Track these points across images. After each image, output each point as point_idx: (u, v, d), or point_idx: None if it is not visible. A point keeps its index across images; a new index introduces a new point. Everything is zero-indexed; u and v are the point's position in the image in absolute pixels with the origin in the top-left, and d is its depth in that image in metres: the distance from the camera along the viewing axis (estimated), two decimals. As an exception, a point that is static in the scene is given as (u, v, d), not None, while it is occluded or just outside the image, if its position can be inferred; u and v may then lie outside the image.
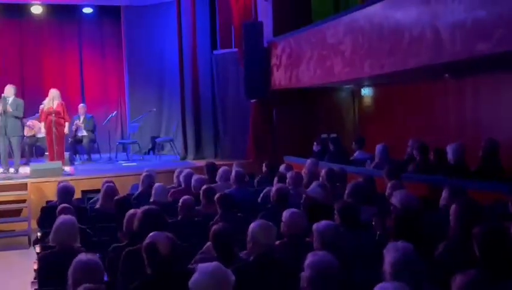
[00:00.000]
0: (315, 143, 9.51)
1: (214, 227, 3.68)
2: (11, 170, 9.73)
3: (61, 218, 3.86)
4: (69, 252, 3.48)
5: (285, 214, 4.00)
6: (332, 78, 8.17)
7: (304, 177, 6.69)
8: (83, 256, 2.83)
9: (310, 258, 2.76)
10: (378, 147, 7.42)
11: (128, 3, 12.92)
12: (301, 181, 6.33)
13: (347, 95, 10.79)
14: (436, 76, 7.70)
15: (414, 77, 7.87)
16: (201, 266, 2.57)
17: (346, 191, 5.05)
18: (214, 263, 2.61)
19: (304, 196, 5.04)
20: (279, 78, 9.96)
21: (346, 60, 7.68)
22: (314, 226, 3.46)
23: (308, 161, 7.46)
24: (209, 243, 3.78)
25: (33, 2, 12.35)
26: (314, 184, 5.44)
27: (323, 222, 3.46)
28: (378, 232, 4.25)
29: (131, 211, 4.29)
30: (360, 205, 4.51)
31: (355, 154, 8.56)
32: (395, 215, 3.82)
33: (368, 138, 9.04)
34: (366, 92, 10.19)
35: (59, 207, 4.90)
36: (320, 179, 6.22)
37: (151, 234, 3.16)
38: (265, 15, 10.38)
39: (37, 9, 12.54)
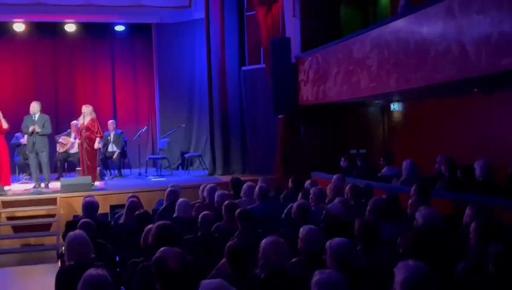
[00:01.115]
0: (342, 159, 9.44)
1: (229, 243, 3.66)
2: (42, 184, 9.91)
3: (71, 235, 3.88)
4: (85, 267, 3.49)
5: (302, 230, 3.95)
6: (359, 93, 8.10)
7: (328, 193, 6.62)
8: (92, 271, 2.84)
9: (316, 277, 2.70)
10: (406, 163, 7.29)
11: (159, 20, 13.13)
12: (324, 197, 6.26)
13: (376, 110, 10.69)
14: (464, 91, 7.55)
15: (442, 92, 7.74)
16: (204, 282, 2.54)
17: (368, 208, 4.96)
18: (217, 280, 2.57)
19: (323, 212, 4.97)
20: (307, 93, 9.93)
21: (372, 75, 7.61)
22: (328, 243, 3.39)
23: (335, 176, 7.38)
24: (224, 260, 3.75)
25: (67, 20, 12.67)
26: (336, 201, 5.38)
27: (337, 239, 3.40)
28: (401, 250, 4.16)
29: (149, 226, 4.30)
30: (381, 222, 4.42)
31: (383, 170, 8.44)
32: (414, 233, 3.73)
33: (397, 153, 8.91)
34: (395, 107, 10.06)
35: (79, 222, 4.95)
36: (345, 195, 6.15)
37: (161, 249, 3.15)
38: (293, 31, 10.39)
39: (70, 28, 12.86)
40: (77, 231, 3.94)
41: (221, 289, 2.50)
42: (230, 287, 2.55)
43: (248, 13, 11.75)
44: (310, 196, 6.17)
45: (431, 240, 3.46)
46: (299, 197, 6.44)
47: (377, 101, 10.00)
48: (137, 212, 5.35)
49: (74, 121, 10.49)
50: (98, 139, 10.30)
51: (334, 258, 3.29)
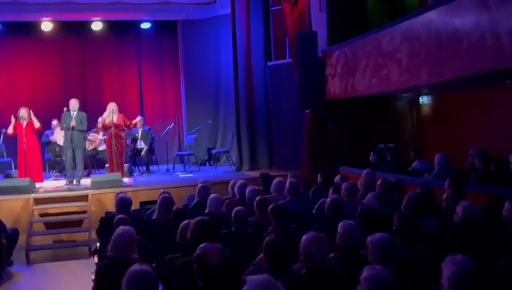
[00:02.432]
0: (372, 153, 9.34)
1: (267, 239, 3.65)
2: (74, 181, 10.04)
3: (120, 229, 3.92)
4: (126, 263, 3.51)
5: (341, 226, 3.92)
6: (389, 86, 8.01)
7: (359, 188, 6.57)
8: (136, 267, 2.85)
9: (366, 272, 2.67)
10: (437, 157, 7.19)
11: (185, 17, 13.18)
12: (356, 192, 6.21)
13: (405, 103, 10.57)
14: (497, 83, 7.42)
15: (474, 85, 7.61)
16: (251, 278, 2.53)
17: (404, 203, 4.90)
18: (264, 275, 2.56)
19: (359, 207, 4.92)
20: (334, 87, 9.86)
21: (402, 68, 7.52)
22: (369, 238, 3.36)
23: (365, 171, 7.30)
24: (261, 255, 3.74)
25: (94, 19, 12.79)
26: (370, 195, 5.32)
27: (378, 235, 3.36)
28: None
29: (185, 221, 4.32)
30: (418, 216, 4.37)
31: (413, 165, 8.34)
32: (456, 227, 3.67)
33: (427, 147, 8.80)
34: (425, 100, 9.94)
35: (116, 218, 4.99)
36: (376, 190, 6.09)
37: (201, 245, 3.16)
38: (319, 25, 10.32)
39: (97, 26, 12.98)
40: (126, 227, 3.97)
41: (268, 284, 2.50)
42: (276, 283, 2.55)
43: (274, 8, 11.71)
44: (342, 191, 6.12)
45: (473, 234, 3.40)
46: (330, 193, 6.39)
47: (405, 95, 9.89)
48: (174, 209, 5.38)
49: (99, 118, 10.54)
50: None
51: (377, 254, 3.26)
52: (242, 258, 4.08)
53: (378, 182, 6.22)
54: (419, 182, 7.00)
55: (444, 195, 5.17)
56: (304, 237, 3.44)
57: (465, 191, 5.56)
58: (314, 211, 6.16)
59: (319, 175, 7.88)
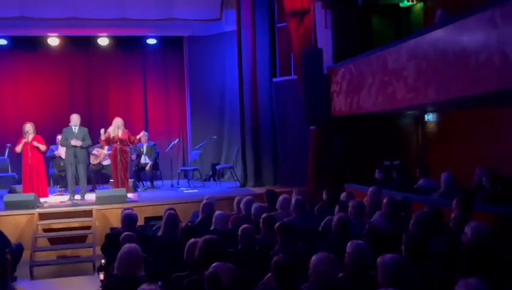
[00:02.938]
0: (377, 171, 9.30)
1: (275, 258, 3.61)
2: (77, 196, 10.02)
3: (126, 247, 3.90)
4: (132, 281, 3.49)
5: (350, 245, 3.88)
6: (395, 104, 8.01)
7: (365, 206, 6.53)
8: (145, 286, 2.83)
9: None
10: (444, 176, 7.16)
11: (191, 33, 13.25)
12: (363, 210, 6.17)
13: (410, 121, 10.56)
14: (503, 102, 7.41)
15: (480, 103, 7.60)
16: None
17: (412, 222, 4.87)
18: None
19: (367, 226, 4.89)
20: (340, 104, 9.87)
21: (409, 86, 7.52)
22: (379, 259, 3.33)
23: (371, 189, 7.27)
24: (269, 274, 3.71)
25: (100, 34, 12.87)
26: (377, 214, 5.30)
27: (388, 255, 3.33)
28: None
29: (192, 240, 4.29)
30: (427, 236, 4.33)
31: (419, 182, 8.30)
32: (466, 248, 3.64)
33: (432, 164, 8.77)
34: (430, 117, 9.93)
35: (122, 235, 4.97)
36: (383, 208, 6.05)
37: (214, 264, 3.13)
38: (325, 42, 10.37)
39: (103, 41, 13.05)
40: (132, 245, 3.95)
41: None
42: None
43: (279, 24, 11.77)
44: (349, 209, 6.09)
45: (483, 255, 3.36)
46: (336, 210, 6.36)
47: (410, 112, 9.88)
48: (182, 226, 5.36)
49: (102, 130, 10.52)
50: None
51: (387, 275, 3.22)
52: (250, 277, 4.05)
53: (385, 201, 6.18)
54: (425, 200, 6.96)
55: (452, 215, 5.13)
56: (314, 257, 3.41)
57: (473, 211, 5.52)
58: (320, 229, 6.13)
59: (324, 192, 7.86)
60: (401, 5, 10.40)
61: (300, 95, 10.54)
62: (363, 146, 10.13)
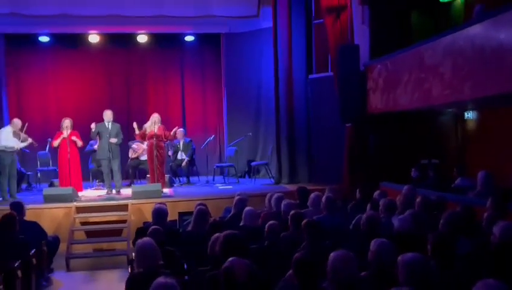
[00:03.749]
0: (413, 169, 9.14)
1: (297, 255, 3.59)
2: (113, 191, 10.22)
3: (140, 242, 3.94)
4: (153, 275, 3.53)
5: (374, 243, 3.83)
6: (431, 101, 7.84)
7: (398, 205, 6.42)
8: (161, 279, 2.86)
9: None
10: (480, 175, 6.97)
11: (228, 30, 13.31)
12: (394, 209, 6.07)
13: (449, 119, 10.32)
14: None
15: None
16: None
17: (442, 221, 4.75)
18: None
19: (394, 225, 4.80)
20: (376, 101, 9.72)
21: (445, 83, 7.34)
22: (400, 258, 3.26)
23: (405, 187, 7.15)
24: (291, 271, 3.69)
25: (139, 31, 13.06)
26: (407, 213, 5.19)
27: (409, 254, 3.26)
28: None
29: (216, 235, 4.31)
30: (456, 236, 4.22)
31: (456, 181, 8.11)
32: (494, 249, 3.53)
33: (471, 164, 8.55)
34: (470, 115, 9.68)
35: (150, 229, 5.03)
36: (416, 207, 5.94)
37: (229, 259, 3.13)
38: (362, 38, 10.23)
39: (142, 39, 13.24)
40: (146, 239, 4.00)
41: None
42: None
43: (316, 21, 11.69)
44: (380, 207, 6.00)
45: (510, 255, 3.25)
46: (367, 208, 6.28)
47: (449, 110, 9.65)
48: (210, 221, 5.40)
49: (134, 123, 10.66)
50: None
51: (407, 274, 3.16)
52: (272, 274, 4.04)
53: (418, 199, 6.07)
54: (461, 199, 6.78)
55: (485, 214, 4.98)
56: (332, 254, 3.37)
57: (508, 211, 5.36)
58: (351, 227, 6.07)
59: (357, 190, 7.77)
60: (441, 0, 10.15)
61: (336, 91, 10.44)
62: (399, 144, 9.95)
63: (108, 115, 10.24)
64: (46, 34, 12.91)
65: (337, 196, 7.81)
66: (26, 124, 10.00)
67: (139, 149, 11.94)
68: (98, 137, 10.29)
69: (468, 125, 9.84)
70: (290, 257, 4.14)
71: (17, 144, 9.84)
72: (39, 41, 13.01)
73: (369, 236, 4.67)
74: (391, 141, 10.04)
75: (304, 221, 5.01)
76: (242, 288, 2.99)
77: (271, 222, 5.05)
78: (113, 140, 10.04)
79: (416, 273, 3.15)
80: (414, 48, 8.42)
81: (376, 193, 7.20)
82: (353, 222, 6.08)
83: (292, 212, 5.59)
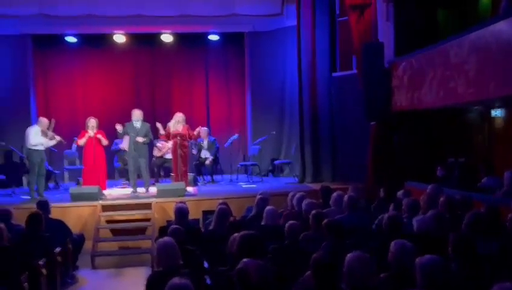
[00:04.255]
0: (439, 168, 9.00)
1: (315, 255, 3.57)
2: (140, 189, 10.31)
3: (161, 240, 3.97)
4: (173, 274, 3.55)
5: (393, 245, 3.78)
6: (457, 99, 7.70)
7: (422, 205, 6.33)
8: (176, 280, 2.87)
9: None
10: (507, 174, 6.84)
11: (252, 29, 13.31)
12: (418, 209, 5.98)
13: (476, 116, 10.13)
14: None
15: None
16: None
17: (464, 222, 4.67)
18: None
19: (415, 226, 4.74)
20: (401, 99, 9.60)
21: (470, 80, 7.21)
22: (417, 260, 3.21)
23: (429, 187, 7.05)
24: (309, 272, 3.66)
25: (164, 31, 13.16)
26: (429, 213, 5.11)
27: (427, 256, 3.21)
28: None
29: (235, 234, 4.31)
30: (477, 237, 4.14)
31: (483, 181, 7.95)
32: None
33: (498, 162, 8.38)
34: (497, 113, 9.48)
35: (170, 228, 5.06)
36: (439, 207, 5.84)
37: (243, 260, 3.13)
38: (386, 35, 10.11)
39: (167, 38, 13.33)
40: (166, 238, 4.03)
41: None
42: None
43: (340, 19, 11.61)
44: (403, 207, 5.93)
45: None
46: (390, 208, 6.21)
47: (476, 107, 9.48)
48: (230, 220, 5.40)
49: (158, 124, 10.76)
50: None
51: (424, 277, 3.11)
52: (292, 274, 4.02)
53: (441, 199, 5.97)
54: (487, 199, 6.66)
55: (509, 215, 4.87)
56: (348, 256, 3.34)
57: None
58: (373, 227, 6.00)
59: (381, 189, 7.70)
60: (467, -4, 9.99)
61: (361, 90, 10.35)
62: (425, 142, 9.82)
63: (136, 114, 10.34)
64: (73, 35, 13.10)
65: (361, 195, 7.76)
66: (53, 121, 10.15)
67: (164, 148, 12.02)
68: (125, 136, 10.39)
69: (496, 123, 9.65)
70: (310, 257, 4.13)
71: (46, 143, 10.01)
72: (66, 41, 13.21)
73: (390, 237, 4.62)
74: (416, 139, 9.91)
75: (325, 221, 4.98)
76: (255, 288, 2.98)
77: (291, 221, 5.03)
78: (140, 139, 10.13)
79: (433, 276, 3.09)
80: (440, 45, 8.28)
81: (400, 193, 7.13)
82: (376, 221, 6.01)
83: (313, 211, 5.56)
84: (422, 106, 8.87)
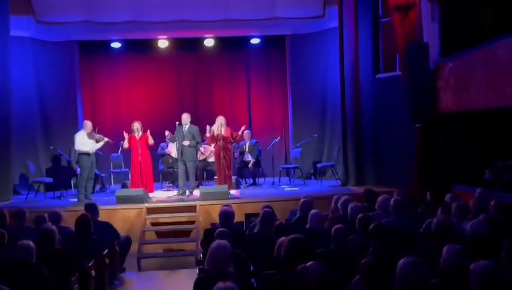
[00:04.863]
0: (487, 171, 8.79)
1: (364, 260, 3.54)
2: (187, 192, 10.44)
3: (216, 243, 4.00)
4: (222, 277, 3.57)
5: (446, 250, 3.71)
6: (505, 101, 7.50)
7: (471, 209, 6.19)
8: (220, 284, 2.89)
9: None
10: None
11: (293, 32, 13.29)
12: (467, 213, 5.85)
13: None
14: None
15: None
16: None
17: (517, 227, 4.54)
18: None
19: (467, 230, 4.63)
20: (447, 101, 9.41)
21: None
22: (472, 266, 3.14)
23: (478, 190, 6.87)
24: (358, 277, 3.63)
25: (206, 35, 13.29)
26: (480, 217, 4.99)
27: (482, 262, 3.13)
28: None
29: (282, 238, 4.31)
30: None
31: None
32: None
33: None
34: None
35: (216, 231, 5.10)
36: (490, 211, 5.70)
37: (303, 265, 3.11)
38: (431, 36, 9.93)
39: (209, 42, 13.46)
40: (222, 241, 4.05)
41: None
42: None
43: (383, 20, 11.46)
44: (452, 211, 5.80)
45: None
46: (438, 212, 6.09)
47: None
48: (277, 223, 5.41)
49: (207, 126, 10.85)
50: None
51: (479, 283, 3.03)
52: (340, 278, 3.99)
53: (492, 203, 5.82)
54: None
55: None
56: (401, 261, 3.28)
57: None
58: (421, 231, 5.90)
59: (428, 193, 7.56)
60: (515, -6, 9.70)
61: (405, 91, 10.19)
62: (472, 144, 9.57)
63: (184, 118, 10.54)
64: (118, 40, 13.36)
65: (406, 199, 7.63)
66: (96, 129, 10.44)
67: (207, 151, 12.13)
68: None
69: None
70: (358, 261, 4.08)
71: (93, 146, 10.25)
72: (111, 47, 13.49)
73: (441, 241, 4.53)
74: (463, 141, 9.68)
75: (372, 225, 4.91)
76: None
77: (338, 225, 4.99)
78: (186, 142, 10.29)
79: (489, 282, 3.02)
80: (487, 45, 8.09)
81: (448, 196, 6.97)
82: (424, 225, 5.91)
83: (359, 215, 5.51)
84: (470, 107, 8.68)
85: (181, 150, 10.37)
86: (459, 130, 9.77)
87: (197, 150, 11.97)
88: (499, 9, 10.03)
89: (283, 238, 4.31)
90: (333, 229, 4.95)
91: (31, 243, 4.79)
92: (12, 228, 6.58)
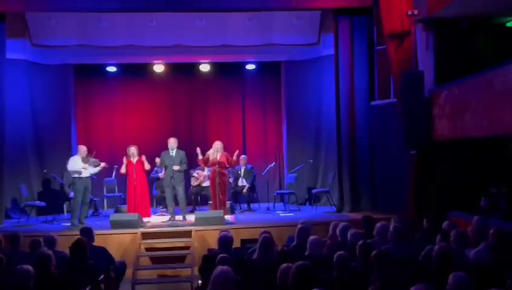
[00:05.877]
0: (483, 198, 8.82)
1: (371, 288, 3.50)
2: (178, 217, 10.36)
3: (219, 269, 3.96)
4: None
5: (452, 278, 3.69)
6: (501, 129, 7.58)
7: (470, 237, 6.18)
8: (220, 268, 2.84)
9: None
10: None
11: (289, 58, 13.41)
12: (467, 241, 5.84)
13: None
14: None
15: None
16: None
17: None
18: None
19: (470, 258, 4.62)
20: (442, 128, 9.49)
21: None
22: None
23: (475, 218, 6.87)
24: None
25: (202, 61, 13.35)
26: (482, 246, 4.99)
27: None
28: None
29: (285, 265, 4.27)
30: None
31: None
32: None
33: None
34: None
35: (218, 257, 5.05)
36: (489, 239, 5.69)
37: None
38: (426, 64, 10.06)
39: (205, 68, 13.52)
40: (225, 267, 4.01)
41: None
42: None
43: (378, 47, 11.59)
44: (451, 239, 5.79)
45: None
46: (437, 240, 6.07)
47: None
48: (279, 249, 5.37)
49: (198, 149, 10.81)
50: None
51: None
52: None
53: (491, 231, 5.82)
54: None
55: None
56: (412, 288, 3.26)
57: None
58: (420, 258, 5.87)
59: (425, 220, 7.55)
60: (507, 24, 9.88)
61: (400, 118, 10.27)
62: (467, 172, 9.63)
63: (171, 142, 10.50)
64: (113, 64, 13.39)
65: (403, 226, 7.61)
66: (94, 153, 10.39)
67: (200, 176, 12.11)
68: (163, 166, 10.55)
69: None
70: (360, 288, 4.06)
71: (88, 170, 10.18)
72: (106, 71, 13.52)
73: (443, 269, 4.52)
74: (458, 168, 9.74)
75: (374, 252, 4.88)
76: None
77: (340, 252, 4.96)
78: (176, 167, 10.27)
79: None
80: (484, 73, 8.20)
81: (445, 224, 6.97)
82: (423, 253, 5.88)
83: (360, 242, 5.47)
84: (465, 135, 8.75)
85: (170, 175, 10.32)
86: (454, 157, 9.84)
87: (191, 175, 11.97)
88: (492, 38, 10.23)
89: (286, 264, 4.28)
90: (335, 256, 4.92)
91: (31, 268, 4.71)
92: (7, 252, 6.47)
